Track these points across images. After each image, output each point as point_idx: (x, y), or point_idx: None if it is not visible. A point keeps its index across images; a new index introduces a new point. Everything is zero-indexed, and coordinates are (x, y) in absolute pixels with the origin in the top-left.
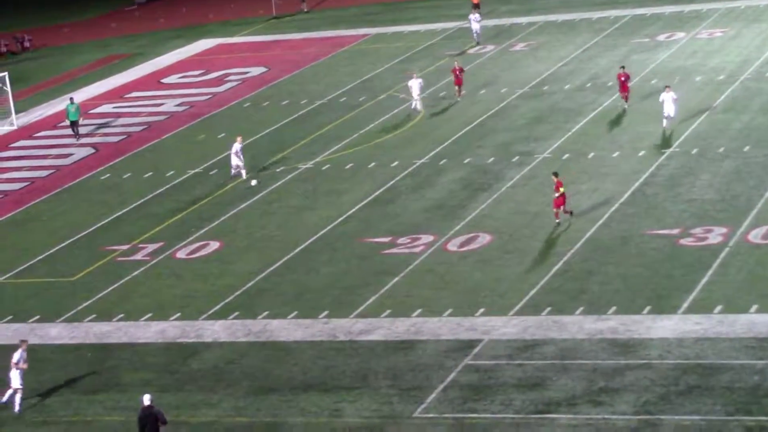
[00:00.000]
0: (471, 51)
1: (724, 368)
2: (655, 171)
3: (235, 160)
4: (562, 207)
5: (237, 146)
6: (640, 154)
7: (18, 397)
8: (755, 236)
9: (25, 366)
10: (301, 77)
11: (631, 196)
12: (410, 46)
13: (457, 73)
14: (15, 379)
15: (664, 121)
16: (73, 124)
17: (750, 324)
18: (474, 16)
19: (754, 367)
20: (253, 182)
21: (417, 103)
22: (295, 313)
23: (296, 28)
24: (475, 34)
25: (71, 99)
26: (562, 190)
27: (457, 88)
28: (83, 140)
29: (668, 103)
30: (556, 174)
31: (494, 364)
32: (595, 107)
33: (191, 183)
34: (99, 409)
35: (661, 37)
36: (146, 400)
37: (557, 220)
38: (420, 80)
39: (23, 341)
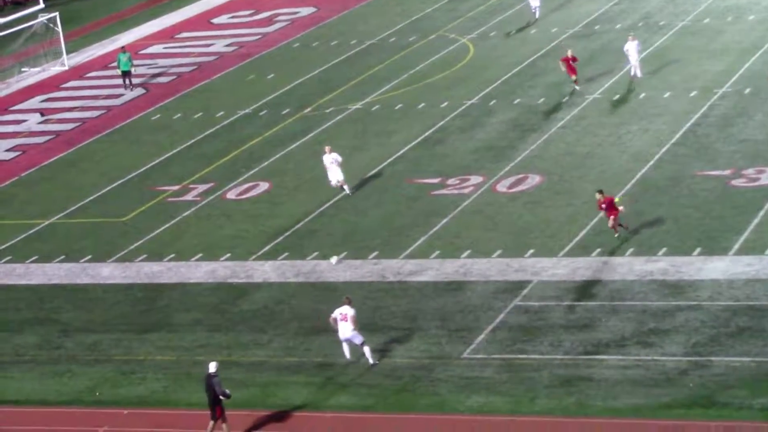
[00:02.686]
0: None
1: None
2: (706, 111)
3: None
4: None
5: (334, 156)
6: (692, 94)
7: None
8: None
9: None
10: (351, 17)
11: (682, 136)
12: None
13: (570, 62)
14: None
15: (632, 71)
16: (125, 75)
17: None
18: None
19: None
20: (334, 260)
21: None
22: (345, 253)
23: None
24: (534, 9)
25: (123, 48)
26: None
27: (574, 77)
28: (134, 81)
29: (632, 52)
30: (601, 192)
31: (543, 305)
32: (646, 47)
33: (241, 123)
34: (150, 348)
35: None
36: (211, 367)
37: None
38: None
39: None
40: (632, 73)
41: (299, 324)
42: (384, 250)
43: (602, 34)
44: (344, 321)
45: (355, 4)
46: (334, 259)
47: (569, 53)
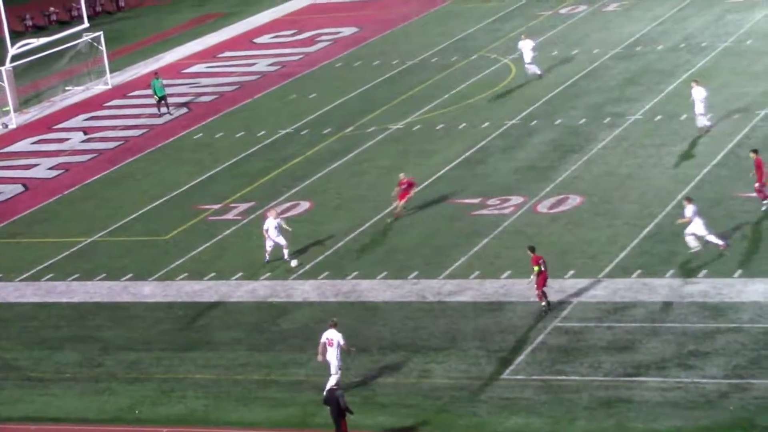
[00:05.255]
0: (563, 11)
1: None
2: (748, 133)
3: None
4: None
5: (272, 222)
6: (734, 116)
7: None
8: None
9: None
10: (393, 37)
11: (724, 158)
12: (502, 6)
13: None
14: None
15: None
16: (162, 99)
17: None
18: None
19: None
20: (294, 263)
21: (533, 67)
22: (385, 273)
23: None
24: (530, 68)
25: (156, 74)
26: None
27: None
28: (176, 99)
29: (698, 102)
30: (756, 151)
31: (583, 327)
32: (688, 68)
33: (282, 142)
34: (190, 366)
35: None
36: (332, 380)
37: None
38: (531, 41)
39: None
40: (700, 125)
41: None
42: (424, 269)
43: (644, 55)
44: (330, 346)
45: (398, 24)
46: (294, 262)
47: (402, 177)
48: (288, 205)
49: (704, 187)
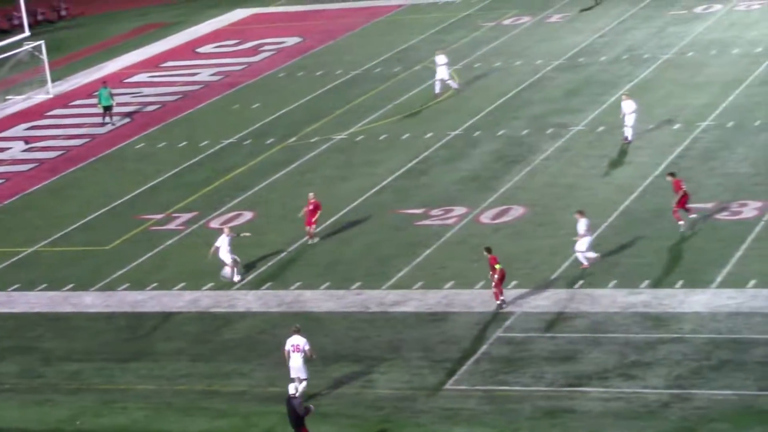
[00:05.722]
0: (506, 22)
1: (757, 343)
2: (690, 144)
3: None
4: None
5: (225, 239)
6: (675, 127)
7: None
8: None
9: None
10: (336, 47)
11: (666, 169)
12: (446, 17)
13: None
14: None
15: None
16: (107, 109)
17: None
18: None
19: None
20: (237, 278)
21: (450, 82)
22: (328, 283)
23: None
24: (441, 82)
25: (104, 83)
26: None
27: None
28: (118, 109)
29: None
30: (672, 174)
31: (526, 337)
32: (630, 79)
33: (225, 152)
34: (132, 377)
35: (699, 9)
36: (291, 389)
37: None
38: (445, 57)
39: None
40: (624, 135)
41: (281, 354)
42: (367, 280)
43: (586, 67)
44: (296, 352)
45: (341, 34)
46: (227, 270)
47: (311, 197)
48: (231, 215)
49: (646, 197)
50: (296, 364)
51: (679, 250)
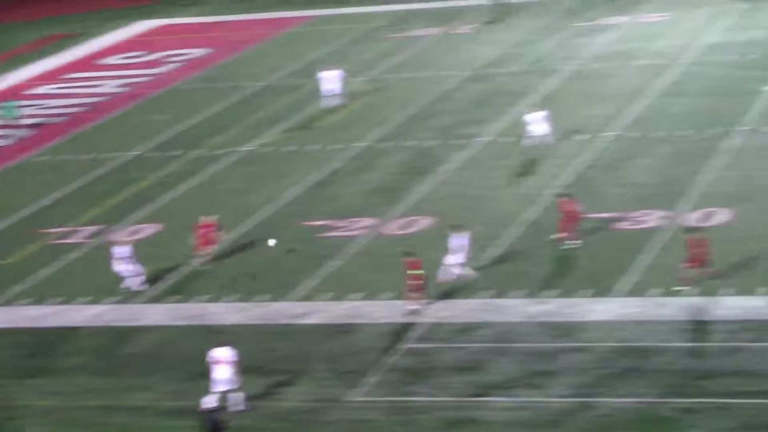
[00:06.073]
0: (414, 33)
1: (660, 351)
2: (595, 155)
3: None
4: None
5: (122, 249)
6: (581, 137)
7: None
8: (692, 220)
9: None
10: (244, 59)
11: (572, 179)
12: (354, 29)
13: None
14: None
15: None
16: (11, 122)
17: (686, 307)
18: None
19: (687, 350)
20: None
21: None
22: (235, 296)
23: (239, 10)
24: (329, 94)
25: (11, 96)
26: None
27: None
28: (21, 121)
29: (537, 123)
30: (566, 195)
31: (432, 348)
32: (537, 90)
33: (131, 164)
34: (32, 393)
35: (604, 21)
36: (206, 402)
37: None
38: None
39: None
40: (527, 143)
41: (187, 367)
42: (273, 292)
43: (493, 78)
44: (222, 364)
45: (249, 46)
46: (272, 242)
47: (203, 220)
48: (137, 227)
49: (551, 208)
50: (223, 376)
51: (584, 259)
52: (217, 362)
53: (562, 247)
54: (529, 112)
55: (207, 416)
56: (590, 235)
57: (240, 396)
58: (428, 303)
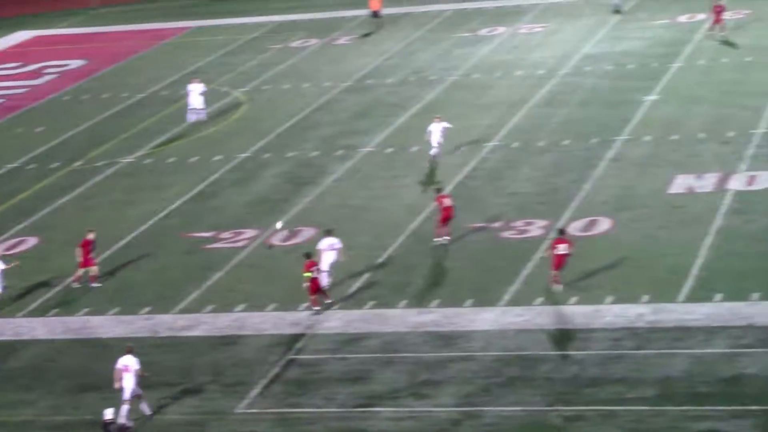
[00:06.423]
0: (294, 44)
1: (544, 359)
2: (477, 164)
3: None
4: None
5: None
6: (464, 148)
7: None
8: (574, 229)
9: None
10: (122, 70)
11: (454, 189)
12: (233, 39)
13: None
14: None
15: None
16: None
17: (569, 315)
18: None
19: (573, 358)
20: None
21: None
22: (117, 309)
23: (116, 21)
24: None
25: None
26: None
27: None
28: None
29: (436, 133)
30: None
31: (317, 359)
32: (417, 101)
33: (8, 177)
34: None
35: (483, 32)
36: (106, 414)
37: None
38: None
39: None
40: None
41: (68, 381)
42: (157, 304)
43: (374, 89)
44: (127, 372)
45: (127, 57)
46: (279, 224)
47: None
48: (15, 241)
49: (434, 217)
50: (129, 385)
51: (468, 269)
52: (124, 370)
53: (431, 244)
54: (432, 123)
55: (108, 428)
56: (474, 245)
57: (144, 404)
58: (328, 304)
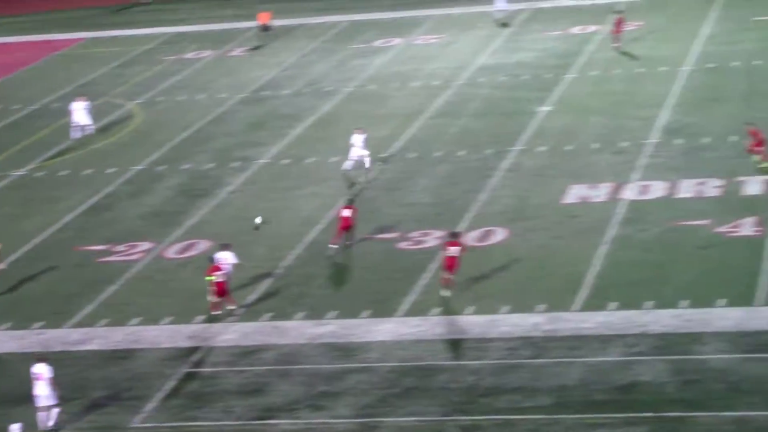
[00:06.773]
0: (188, 56)
1: (441, 369)
2: (374, 175)
3: None
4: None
5: None
6: (386, 160)
7: None
8: (470, 239)
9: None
10: (13, 81)
11: (351, 199)
12: (126, 51)
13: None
14: None
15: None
16: None
17: (466, 325)
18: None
19: (469, 368)
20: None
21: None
22: (9, 324)
23: (6, 31)
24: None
25: None
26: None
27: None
28: None
29: (357, 145)
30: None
31: (214, 372)
32: (313, 112)
33: None
34: None
35: (379, 43)
36: (12, 429)
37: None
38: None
39: None
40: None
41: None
42: (49, 319)
43: (269, 100)
44: (40, 380)
45: (17, 69)
46: (258, 219)
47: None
48: None
49: (330, 229)
50: (42, 393)
51: (365, 280)
52: (37, 378)
53: (327, 253)
54: (354, 135)
55: None
56: (371, 256)
57: (55, 412)
58: (233, 308)
